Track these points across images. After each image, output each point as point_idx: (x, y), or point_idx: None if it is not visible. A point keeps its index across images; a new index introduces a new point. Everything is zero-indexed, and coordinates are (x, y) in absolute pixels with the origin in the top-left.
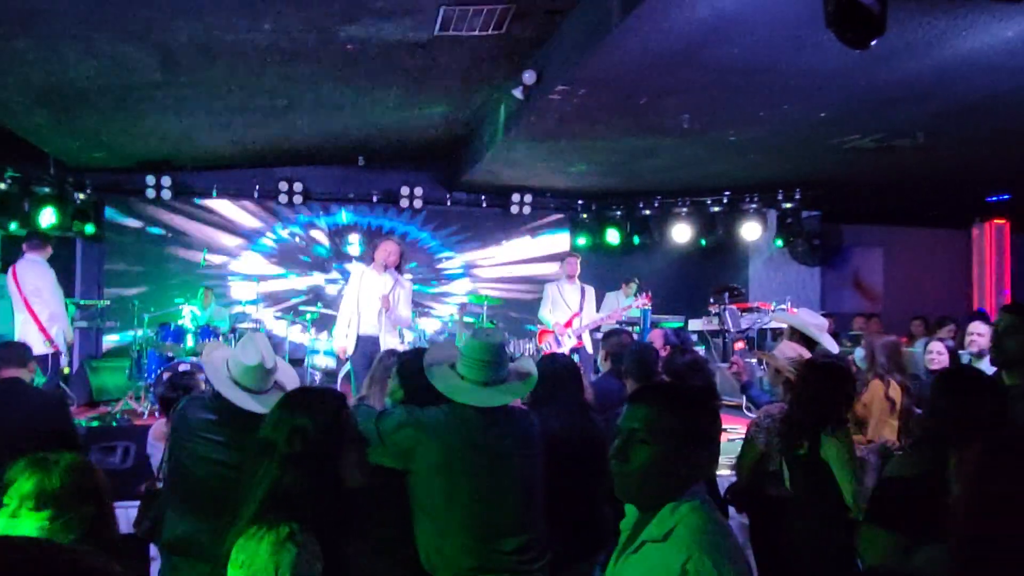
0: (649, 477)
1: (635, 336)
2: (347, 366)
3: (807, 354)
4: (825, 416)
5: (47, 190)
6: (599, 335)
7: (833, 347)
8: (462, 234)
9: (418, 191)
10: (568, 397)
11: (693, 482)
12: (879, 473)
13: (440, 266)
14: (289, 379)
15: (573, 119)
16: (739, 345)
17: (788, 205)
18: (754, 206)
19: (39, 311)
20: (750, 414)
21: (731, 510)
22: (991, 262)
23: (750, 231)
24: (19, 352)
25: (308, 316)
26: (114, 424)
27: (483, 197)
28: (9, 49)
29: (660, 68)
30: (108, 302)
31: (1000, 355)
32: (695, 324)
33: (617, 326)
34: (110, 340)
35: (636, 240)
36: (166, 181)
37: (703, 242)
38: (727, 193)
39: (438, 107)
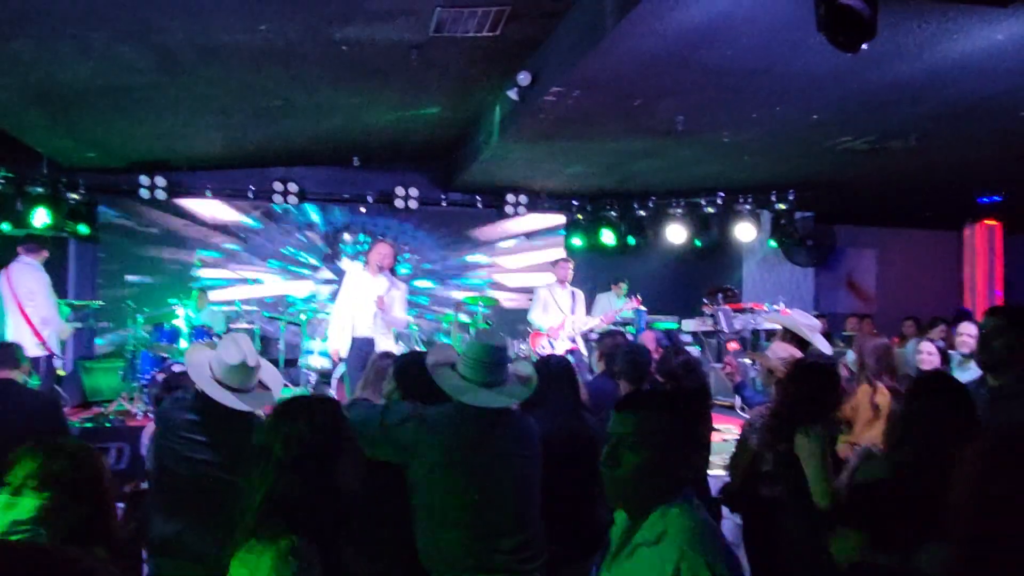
0: (639, 482)
1: (629, 337)
2: (341, 367)
3: (799, 354)
4: (807, 415)
5: (40, 190)
6: (594, 336)
7: (826, 348)
8: (458, 235)
9: (413, 192)
10: (562, 398)
11: (683, 485)
12: (852, 475)
13: (436, 267)
14: (272, 379)
15: (568, 120)
16: (733, 346)
17: (782, 206)
18: (748, 207)
19: (32, 314)
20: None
21: (725, 510)
22: (983, 263)
23: (744, 232)
24: (12, 353)
25: (302, 317)
26: (107, 425)
27: (478, 198)
28: (5, 49)
29: (654, 70)
30: (102, 303)
31: (986, 357)
32: (689, 324)
33: (612, 327)
34: (104, 341)
35: (631, 241)
36: (160, 181)
37: (697, 243)
38: (721, 194)
39: (433, 108)
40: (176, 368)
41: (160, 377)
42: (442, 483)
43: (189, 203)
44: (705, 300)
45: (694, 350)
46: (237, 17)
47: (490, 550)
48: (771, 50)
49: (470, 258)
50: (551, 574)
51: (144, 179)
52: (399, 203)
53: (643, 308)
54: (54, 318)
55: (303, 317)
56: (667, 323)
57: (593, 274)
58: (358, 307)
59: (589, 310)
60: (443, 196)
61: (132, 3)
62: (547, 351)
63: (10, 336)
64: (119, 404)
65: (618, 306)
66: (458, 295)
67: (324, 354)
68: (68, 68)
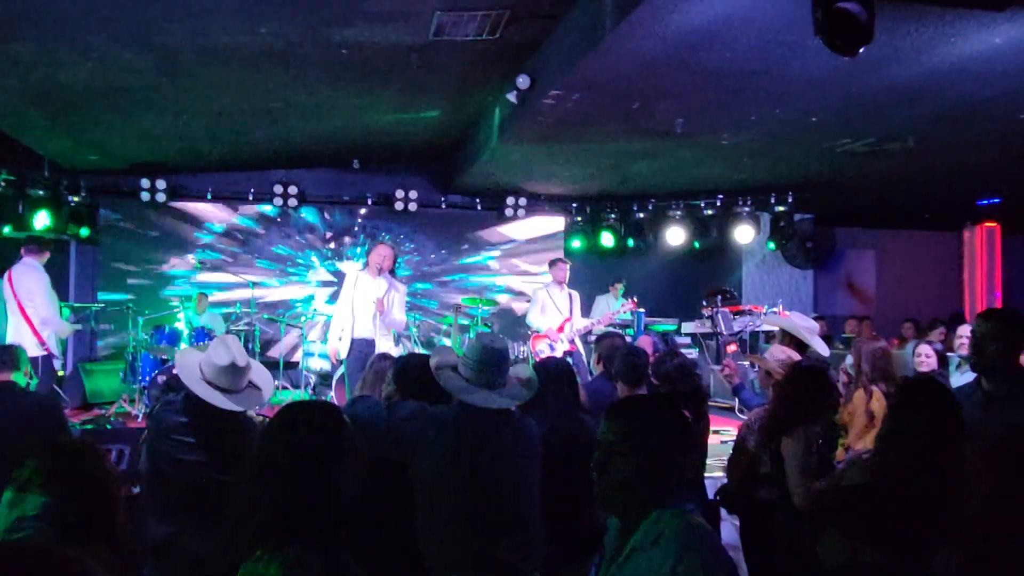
0: (630, 487)
1: (628, 339)
2: (341, 369)
3: (797, 357)
4: (797, 417)
5: (42, 192)
6: (592, 338)
7: (824, 350)
8: (457, 237)
9: (413, 194)
10: (560, 400)
11: (675, 488)
12: (839, 479)
13: (435, 269)
14: (263, 379)
15: (567, 123)
16: (731, 348)
17: (781, 208)
18: (747, 209)
19: (32, 315)
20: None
21: (723, 512)
22: (982, 265)
23: (743, 234)
24: (13, 355)
25: (302, 319)
26: (108, 427)
27: (478, 200)
28: (5, 51)
29: (653, 72)
30: (102, 305)
31: (979, 360)
32: (688, 327)
33: (610, 329)
34: (104, 343)
35: (630, 243)
36: (161, 184)
37: (697, 245)
38: (720, 196)
39: (433, 111)
40: (176, 370)
41: (160, 379)
42: (443, 481)
43: (189, 205)
44: (704, 302)
45: (693, 352)
46: (237, 19)
47: (490, 549)
48: (770, 53)
49: (470, 260)
50: (550, 574)
51: (145, 181)
52: (399, 205)
53: (641, 310)
54: (53, 318)
55: (303, 319)
56: (665, 326)
57: (593, 276)
58: (358, 309)
59: (588, 313)
60: (443, 198)
61: (132, 5)
62: (547, 354)
63: (11, 337)
64: (119, 406)
65: (616, 307)
66: (457, 297)
67: (324, 356)
68: (68, 69)
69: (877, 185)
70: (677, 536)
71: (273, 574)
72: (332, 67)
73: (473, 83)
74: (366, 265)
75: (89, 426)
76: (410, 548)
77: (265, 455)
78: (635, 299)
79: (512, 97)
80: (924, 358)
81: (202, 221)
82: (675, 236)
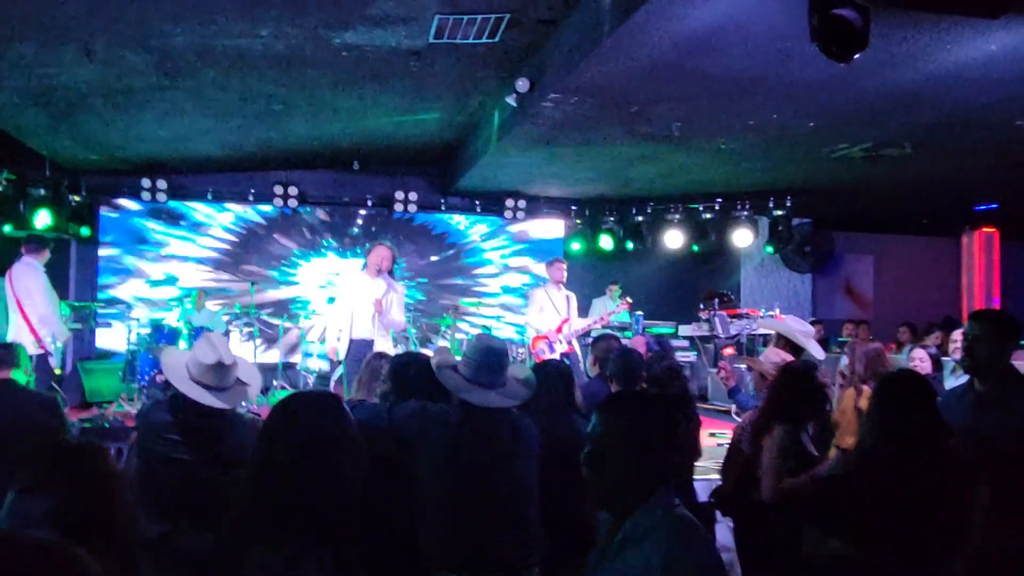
0: (619, 482)
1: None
2: (340, 369)
3: (791, 360)
4: (780, 414)
5: (43, 192)
6: (588, 339)
7: (819, 353)
8: (457, 238)
9: (412, 196)
10: (555, 400)
11: (663, 485)
12: (818, 472)
13: (434, 270)
14: (250, 376)
15: (566, 126)
16: (728, 351)
17: (779, 212)
18: (745, 213)
19: (30, 313)
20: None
21: (717, 513)
22: (980, 270)
23: (742, 238)
24: (13, 353)
25: (301, 319)
26: (107, 426)
27: (477, 202)
28: (7, 52)
29: (651, 77)
30: (102, 304)
31: (971, 362)
32: (686, 330)
33: (607, 331)
34: (104, 342)
35: (629, 246)
36: (161, 184)
37: (695, 248)
38: (719, 200)
39: (432, 113)
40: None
41: (160, 378)
42: (443, 480)
43: (190, 205)
44: (701, 305)
45: (691, 355)
46: (238, 22)
47: (490, 547)
48: (766, 58)
49: (469, 261)
50: (548, 571)
51: (146, 181)
52: (399, 207)
53: (640, 313)
54: (51, 317)
55: (302, 319)
56: (663, 328)
57: (592, 279)
58: (357, 309)
59: (586, 315)
60: (442, 200)
61: (134, 7)
62: (546, 354)
63: (11, 336)
64: (118, 405)
65: (612, 309)
66: (456, 299)
67: (323, 356)
68: (70, 70)
69: (875, 190)
70: (667, 528)
71: (273, 573)
72: (332, 70)
73: (472, 86)
74: (365, 266)
75: (88, 425)
76: (410, 546)
77: (265, 449)
78: (629, 299)
79: (511, 100)
80: (918, 362)
81: (202, 221)
82: (674, 239)
